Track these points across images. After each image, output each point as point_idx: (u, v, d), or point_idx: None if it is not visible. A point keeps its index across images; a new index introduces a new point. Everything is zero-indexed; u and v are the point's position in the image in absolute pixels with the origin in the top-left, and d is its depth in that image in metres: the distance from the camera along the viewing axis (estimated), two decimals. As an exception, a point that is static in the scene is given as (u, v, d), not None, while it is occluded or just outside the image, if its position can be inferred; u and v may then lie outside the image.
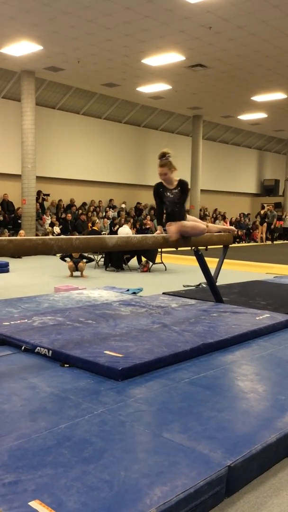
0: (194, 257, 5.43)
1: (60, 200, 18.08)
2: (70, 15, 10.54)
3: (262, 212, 22.26)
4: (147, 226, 18.17)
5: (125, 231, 10.73)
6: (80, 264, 9.24)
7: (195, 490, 1.92)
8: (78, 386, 3.00)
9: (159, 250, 10.55)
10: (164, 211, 4.88)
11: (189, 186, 4.77)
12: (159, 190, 4.78)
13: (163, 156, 4.57)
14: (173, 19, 10.61)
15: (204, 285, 7.14)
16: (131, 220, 15.03)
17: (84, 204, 18.89)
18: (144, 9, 10.14)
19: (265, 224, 21.52)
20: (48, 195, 17.47)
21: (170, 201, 4.74)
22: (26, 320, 4.43)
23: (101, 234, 11.98)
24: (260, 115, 20.54)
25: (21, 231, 14.30)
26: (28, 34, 11.80)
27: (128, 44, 12.29)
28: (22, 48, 12.68)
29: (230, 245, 5.78)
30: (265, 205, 25.00)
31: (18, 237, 4.08)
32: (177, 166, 4.75)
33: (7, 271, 9.68)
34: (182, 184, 4.70)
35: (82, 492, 1.87)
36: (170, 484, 1.94)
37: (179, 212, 4.76)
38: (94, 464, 2.08)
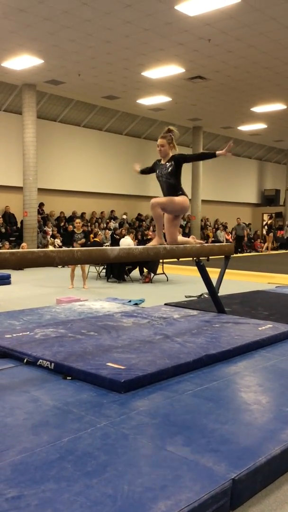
0: (195, 268, 5.44)
1: (61, 212, 18.14)
2: (70, 29, 10.66)
3: (269, 222, 22.31)
4: (149, 237, 18.19)
5: (127, 242, 10.74)
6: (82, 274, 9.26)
7: (199, 504, 1.91)
8: (81, 399, 2.99)
9: (161, 260, 10.55)
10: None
11: (184, 159, 4.68)
12: (154, 167, 4.84)
13: (168, 131, 4.70)
14: (173, 32, 10.72)
15: (206, 296, 7.13)
16: (134, 232, 15.03)
17: (83, 214, 18.91)
18: (143, 23, 10.26)
19: (271, 234, 21.55)
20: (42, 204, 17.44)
21: (162, 175, 4.70)
22: (28, 333, 4.42)
23: (103, 246, 11.99)
24: (260, 126, 20.65)
25: (23, 244, 14.33)
26: (29, 48, 11.92)
27: (128, 57, 12.41)
28: (23, 62, 12.81)
29: (231, 255, 5.78)
30: (272, 214, 25.05)
31: (20, 250, 4.09)
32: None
33: (9, 283, 9.68)
34: (174, 157, 4.69)
35: (86, 506, 1.86)
36: (174, 498, 1.92)
37: (173, 185, 4.69)
38: (97, 478, 2.07)
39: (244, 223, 21.84)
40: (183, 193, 4.74)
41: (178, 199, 4.70)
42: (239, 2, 9.19)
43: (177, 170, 4.68)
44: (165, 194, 4.78)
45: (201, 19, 9.98)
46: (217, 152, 4.68)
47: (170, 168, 4.67)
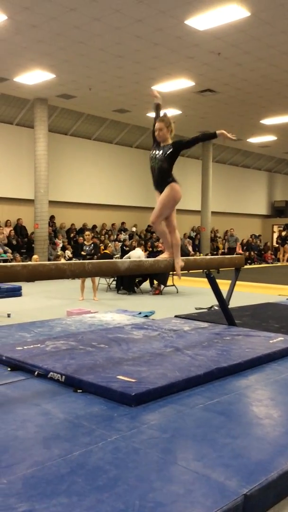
0: (205, 279, 5.43)
1: (72, 224, 18.26)
2: (81, 44, 10.82)
3: (283, 234, 22.20)
4: (159, 249, 18.21)
5: (137, 254, 10.76)
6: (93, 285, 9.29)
7: (211, 519, 1.89)
8: (92, 412, 2.99)
9: (171, 272, 10.55)
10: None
11: (185, 145, 4.52)
12: (153, 142, 4.66)
13: (165, 115, 4.64)
14: (183, 46, 10.83)
15: (216, 308, 7.10)
16: (142, 243, 15.08)
17: (94, 226, 19.01)
18: (154, 37, 10.38)
19: (286, 246, 21.42)
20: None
21: (156, 157, 4.50)
22: (39, 345, 4.43)
23: (113, 258, 12.02)
24: (270, 138, 20.68)
25: (35, 256, 14.41)
26: (41, 63, 12.11)
27: (139, 71, 12.55)
28: (35, 76, 13.00)
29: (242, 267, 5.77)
30: (283, 226, 24.92)
31: (31, 263, 4.12)
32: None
33: (20, 295, 9.73)
34: (175, 143, 4.51)
35: (97, 521, 1.85)
36: (186, 513, 1.91)
37: (165, 169, 4.49)
38: (108, 492, 2.06)
39: (247, 234, 21.69)
40: (173, 180, 4.53)
41: (169, 197, 4.50)
42: (248, 16, 9.28)
43: (173, 156, 4.48)
44: (156, 181, 4.58)
45: (211, 33, 10.08)
46: (218, 132, 4.55)
47: (167, 152, 4.46)
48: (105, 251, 12.26)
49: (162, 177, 4.54)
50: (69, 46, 10.94)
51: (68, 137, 18.09)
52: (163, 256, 4.72)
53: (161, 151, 4.52)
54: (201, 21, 9.49)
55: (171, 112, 16.56)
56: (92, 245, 9.79)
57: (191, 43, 10.65)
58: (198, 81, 13.30)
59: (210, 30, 9.91)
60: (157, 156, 4.53)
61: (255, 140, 21.09)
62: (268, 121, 17.62)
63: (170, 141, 4.57)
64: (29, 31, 10.16)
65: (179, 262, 4.69)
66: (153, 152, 4.58)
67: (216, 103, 15.54)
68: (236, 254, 20.41)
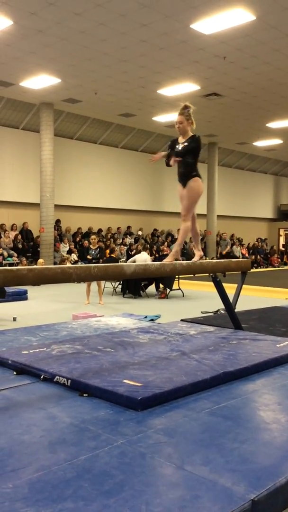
0: (211, 283, 5.41)
1: (79, 228, 18.29)
2: (87, 49, 10.86)
3: None
4: (165, 253, 18.18)
5: (143, 257, 10.75)
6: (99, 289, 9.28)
7: (218, 525, 1.87)
8: (98, 416, 2.97)
9: (177, 276, 10.53)
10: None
11: (201, 142, 4.64)
12: (172, 145, 4.76)
13: (185, 108, 4.66)
14: (188, 50, 10.85)
15: (223, 312, 7.08)
16: (148, 247, 15.08)
17: (100, 230, 19.04)
18: (159, 41, 10.41)
19: None
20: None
21: (181, 152, 4.61)
22: (45, 349, 4.43)
23: (119, 262, 12.02)
24: (276, 141, 20.65)
25: (40, 260, 14.45)
26: (46, 68, 12.17)
27: (144, 75, 12.58)
28: (41, 81, 13.07)
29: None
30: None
31: (37, 266, 4.12)
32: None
33: (26, 298, 9.75)
34: (193, 137, 4.62)
35: (103, 527, 1.83)
36: (193, 519, 1.89)
37: (190, 163, 4.61)
38: (114, 497, 2.05)
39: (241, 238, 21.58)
40: (197, 174, 4.65)
41: (194, 191, 4.64)
42: (254, 20, 9.29)
43: (195, 149, 4.63)
44: (181, 173, 4.69)
45: (216, 37, 10.09)
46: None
47: (189, 146, 4.59)
48: (112, 255, 12.27)
49: (187, 170, 4.64)
50: (74, 51, 10.99)
51: (74, 141, 18.14)
52: (168, 260, 4.71)
53: (183, 145, 4.62)
54: (207, 25, 9.50)
55: (176, 116, 16.56)
56: (98, 249, 9.80)
57: (196, 47, 10.66)
58: (204, 85, 13.31)
59: (216, 34, 9.92)
60: (181, 150, 4.62)
61: (261, 143, 21.07)
62: (274, 124, 17.60)
63: (190, 133, 4.66)
64: (35, 36, 10.22)
65: (200, 252, 4.97)
66: (176, 148, 4.66)
67: (222, 107, 15.55)
68: (243, 257, 20.33)
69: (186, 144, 4.61)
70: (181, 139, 4.69)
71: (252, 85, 13.33)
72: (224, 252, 20.77)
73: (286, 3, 8.68)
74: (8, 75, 12.72)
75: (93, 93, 14.22)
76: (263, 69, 12.06)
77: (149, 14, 9.11)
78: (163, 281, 10.43)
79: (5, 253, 15.08)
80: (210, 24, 9.48)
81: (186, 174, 4.65)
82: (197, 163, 4.69)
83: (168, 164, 4.78)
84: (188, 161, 4.62)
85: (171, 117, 16.76)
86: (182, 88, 13.48)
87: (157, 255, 17.91)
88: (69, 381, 3.51)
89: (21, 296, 9.70)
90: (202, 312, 7.72)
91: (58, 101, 15.08)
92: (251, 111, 15.95)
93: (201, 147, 4.67)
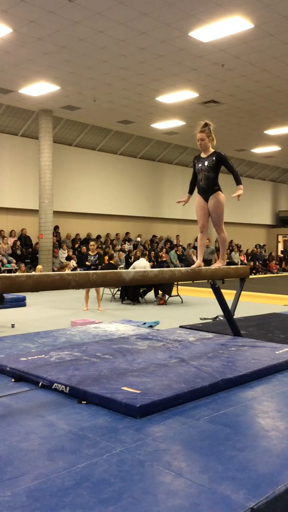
0: (210, 290, 5.42)
1: (77, 234, 18.30)
2: (86, 56, 10.92)
3: None
4: (163, 259, 18.20)
5: (143, 264, 10.75)
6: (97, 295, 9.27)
7: (217, 534, 1.86)
8: (96, 424, 2.96)
9: (175, 283, 10.53)
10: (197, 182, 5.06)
11: (224, 161, 4.86)
12: (194, 161, 5.04)
13: (205, 125, 4.87)
14: (186, 58, 10.91)
15: (221, 318, 7.07)
16: (147, 254, 15.09)
17: (98, 236, 19.05)
18: (158, 49, 10.47)
19: None
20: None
21: (200, 169, 4.89)
22: (43, 356, 4.42)
23: (117, 268, 12.02)
24: (274, 148, 20.73)
25: (39, 266, 14.44)
26: (46, 75, 12.22)
27: (143, 83, 12.64)
28: (40, 88, 13.12)
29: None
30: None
31: (36, 273, 4.12)
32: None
33: (24, 305, 9.73)
34: (216, 154, 4.86)
35: (102, 535, 1.82)
36: (192, 527, 1.88)
37: (212, 178, 4.86)
38: (113, 505, 2.03)
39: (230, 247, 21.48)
40: (219, 188, 4.94)
41: (221, 204, 4.96)
42: (252, 28, 9.35)
43: (217, 165, 4.86)
44: (203, 188, 4.95)
45: (214, 45, 10.16)
46: (238, 186, 4.92)
47: (211, 163, 4.84)
48: (110, 261, 12.27)
49: (209, 185, 4.92)
50: (73, 58, 11.05)
51: (73, 148, 18.19)
52: (215, 266, 5.23)
53: (206, 162, 4.88)
54: (205, 33, 9.57)
55: (174, 123, 16.68)
56: (97, 255, 9.80)
57: (195, 54, 10.72)
58: (202, 92, 13.38)
59: (214, 42, 9.99)
60: (204, 167, 4.89)
61: (259, 150, 21.15)
62: (272, 131, 17.68)
63: (211, 150, 4.91)
64: (34, 44, 10.27)
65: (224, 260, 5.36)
66: (199, 165, 4.94)
67: (220, 114, 15.61)
68: (241, 264, 20.33)
69: (210, 160, 4.85)
70: (203, 155, 4.94)
71: (251, 93, 13.40)
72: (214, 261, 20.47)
73: (284, 11, 8.75)
74: (8, 82, 12.77)
75: (92, 100, 14.28)
76: (261, 77, 12.13)
77: (148, 22, 9.17)
78: (162, 287, 10.43)
79: (4, 260, 15.07)
80: (208, 32, 9.54)
81: (209, 188, 4.92)
82: (218, 178, 4.94)
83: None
84: (210, 176, 4.86)
85: (169, 124, 16.84)
86: (181, 95, 13.55)
87: (154, 259, 17.92)
88: (68, 388, 3.50)
89: (20, 303, 9.68)
90: (201, 319, 7.71)
91: (57, 108, 15.14)
92: (249, 118, 16.02)
93: (221, 166, 4.90)
